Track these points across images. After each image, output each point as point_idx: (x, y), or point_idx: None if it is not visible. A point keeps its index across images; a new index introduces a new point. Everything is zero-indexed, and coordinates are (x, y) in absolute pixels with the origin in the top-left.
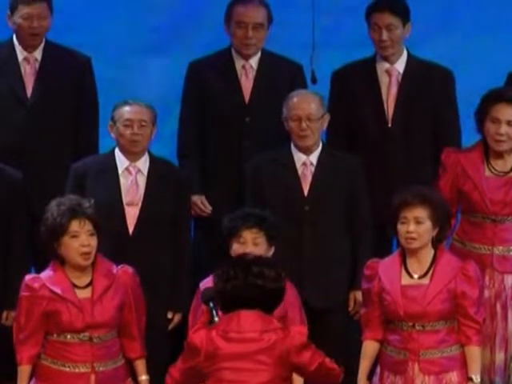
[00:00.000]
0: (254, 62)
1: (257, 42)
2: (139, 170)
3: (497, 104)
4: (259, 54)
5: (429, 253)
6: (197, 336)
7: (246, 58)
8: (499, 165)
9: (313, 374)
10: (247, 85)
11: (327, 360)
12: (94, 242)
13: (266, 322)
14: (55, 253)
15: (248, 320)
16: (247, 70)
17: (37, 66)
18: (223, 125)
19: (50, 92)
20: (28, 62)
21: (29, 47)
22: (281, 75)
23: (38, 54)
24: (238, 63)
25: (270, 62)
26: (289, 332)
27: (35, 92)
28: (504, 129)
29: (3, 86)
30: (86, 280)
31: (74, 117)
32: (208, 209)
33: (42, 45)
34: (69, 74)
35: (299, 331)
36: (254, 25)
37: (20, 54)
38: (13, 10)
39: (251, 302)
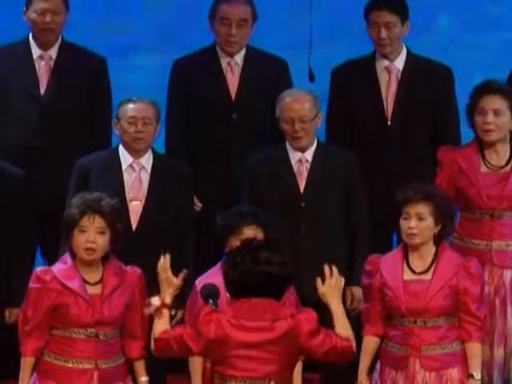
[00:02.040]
0: (239, 58)
1: (240, 39)
2: (143, 167)
3: (483, 96)
4: (244, 51)
5: (431, 249)
6: (209, 327)
7: (231, 54)
8: (494, 159)
9: (323, 357)
10: (233, 82)
11: (338, 342)
12: (101, 239)
13: (276, 310)
14: (70, 245)
15: (259, 308)
16: (233, 67)
17: (51, 63)
18: (210, 122)
19: (64, 90)
20: (43, 60)
21: (43, 44)
22: (266, 71)
23: (53, 52)
24: (223, 60)
25: (255, 58)
26: (298, 319)
27: (49, 89)
28: (491, 118)
29: (18, 83)
30: (97, 277)
31: (88, 115)
32: (198, 206)
33: (58, 43)
34: (83, 73)
35: (307, 318)
36: (237, 22)
37: (35, 52)
38: (28, 5)
39: (260, 288)
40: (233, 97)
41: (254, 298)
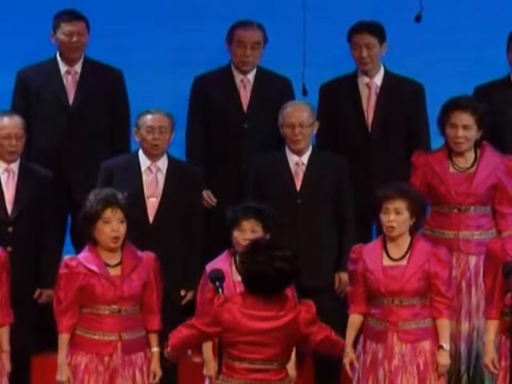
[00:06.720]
0: (251, 76)
1: (254, 59)
2: (159, 169)
3: (454, 111)
4: (255, 70)
5: (406, 239)
6: (223, 316)
7: (244, 73)
8: (461, 162)
9: (318, 346)
10: (245, 96)
11: (332, 334)
12: (123, 228)
13: (282, 301)
14: (90, 236)
15: (267, 299)
16: (245, 84)
17: (77, 77)
18: (225, 130)
19: (89, 100)
20: (69, 74)
21: (70, 61)
22: (273, 88)
23: (78, 67)
24: (237, 77)
25: (264, 76)
26: (299, 309)
27: (76, 100)
28: (461, 132)
29: (49, 95)
30: (116, 260)
31: (110, 122)
32: (213, 201)
33: (82, 60)
34: (104, 85)
35: (307, 309)
36: (252, 44)
37: (62, 67)
38: (55, 28)
39: (272, 282)
40: (245, 109)
41: (265, 291)
